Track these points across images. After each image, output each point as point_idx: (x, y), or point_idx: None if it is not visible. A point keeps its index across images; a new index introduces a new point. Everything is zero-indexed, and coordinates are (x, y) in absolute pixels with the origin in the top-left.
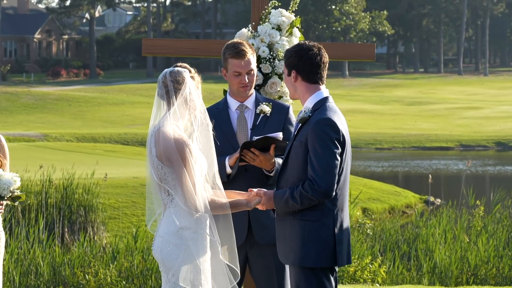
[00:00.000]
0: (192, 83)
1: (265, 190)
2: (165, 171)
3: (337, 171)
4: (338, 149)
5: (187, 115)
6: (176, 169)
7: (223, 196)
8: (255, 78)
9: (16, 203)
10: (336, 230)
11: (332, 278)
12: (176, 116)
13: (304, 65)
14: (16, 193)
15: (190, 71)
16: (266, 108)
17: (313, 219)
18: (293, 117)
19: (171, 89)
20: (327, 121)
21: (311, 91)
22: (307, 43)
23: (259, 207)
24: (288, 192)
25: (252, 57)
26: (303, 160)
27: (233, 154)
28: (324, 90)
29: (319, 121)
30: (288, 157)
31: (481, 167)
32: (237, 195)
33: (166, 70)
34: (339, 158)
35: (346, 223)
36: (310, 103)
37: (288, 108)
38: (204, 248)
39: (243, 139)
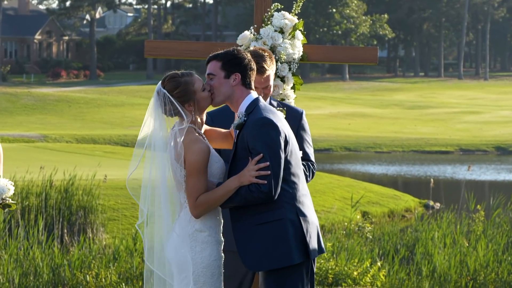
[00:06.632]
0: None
1: None
2: (184, 173)
3: (281, 169)
4: (279, 146)
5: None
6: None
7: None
8: (271, 90)
9: (5, 210)
10: (302, 223)
11: (308, 271)
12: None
13: (245, 69)
14: (7, 201)
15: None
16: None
17: (278, 218)
18: (306, 123)
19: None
20: (263, 120)
21: (245, 95)
22: (237, 48)
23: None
24: None
25: (271, 72)
26: None
27: None
28: (253, 93)
29: (256, 122)
30: (235, 163)
31: (481, 171)
32: (217, 133)
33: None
34: (282, 155)
35: (310, 215)
36: (242, 107)
37: (301, 113)
38: (218, 252)
39: None
